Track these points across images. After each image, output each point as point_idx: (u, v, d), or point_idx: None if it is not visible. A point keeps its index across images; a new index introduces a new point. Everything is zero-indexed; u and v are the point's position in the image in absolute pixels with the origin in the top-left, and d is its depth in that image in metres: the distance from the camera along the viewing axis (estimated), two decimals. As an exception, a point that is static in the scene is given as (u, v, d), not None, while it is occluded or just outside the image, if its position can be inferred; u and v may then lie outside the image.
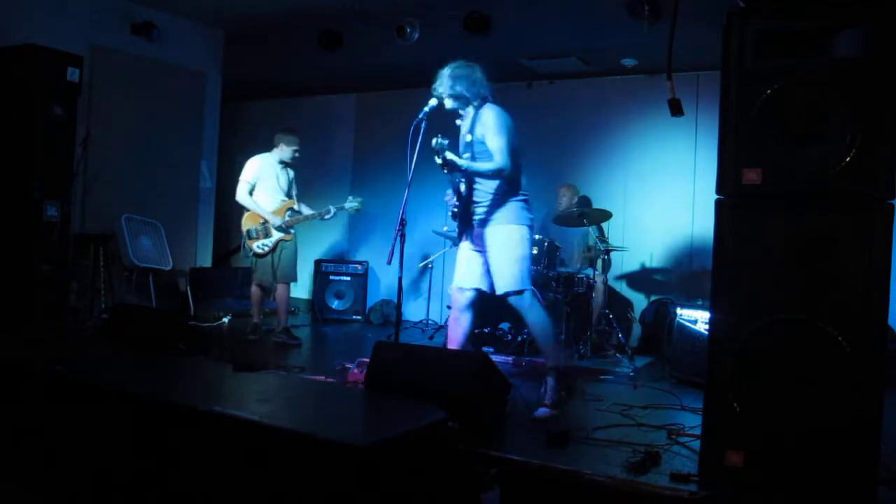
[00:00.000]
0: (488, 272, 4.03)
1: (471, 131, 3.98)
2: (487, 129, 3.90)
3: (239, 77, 7.83)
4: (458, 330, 4.12)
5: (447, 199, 4.13)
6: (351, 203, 5.90)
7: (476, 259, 4.07)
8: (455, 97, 3.99)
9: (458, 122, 4.20)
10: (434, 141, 3.70)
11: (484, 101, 3.99)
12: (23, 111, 5.51)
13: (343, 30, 6.96)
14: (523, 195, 4.04)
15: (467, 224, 4.08)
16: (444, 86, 3.99)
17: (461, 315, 4.10)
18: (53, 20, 6.08)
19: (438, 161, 3.75)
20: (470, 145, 3.97)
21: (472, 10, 6.19)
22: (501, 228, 3.94)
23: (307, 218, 5.83)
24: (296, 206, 5.85)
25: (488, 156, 3.91)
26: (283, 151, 5.80)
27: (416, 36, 6.49)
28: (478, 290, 4.08)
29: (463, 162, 3.85)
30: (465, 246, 4.14)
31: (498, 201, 3.97)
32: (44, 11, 6.04)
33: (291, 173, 5.96)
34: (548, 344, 3.98)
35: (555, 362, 3.98)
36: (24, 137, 5.52)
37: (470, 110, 4.03)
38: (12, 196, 5.50)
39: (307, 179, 7.83)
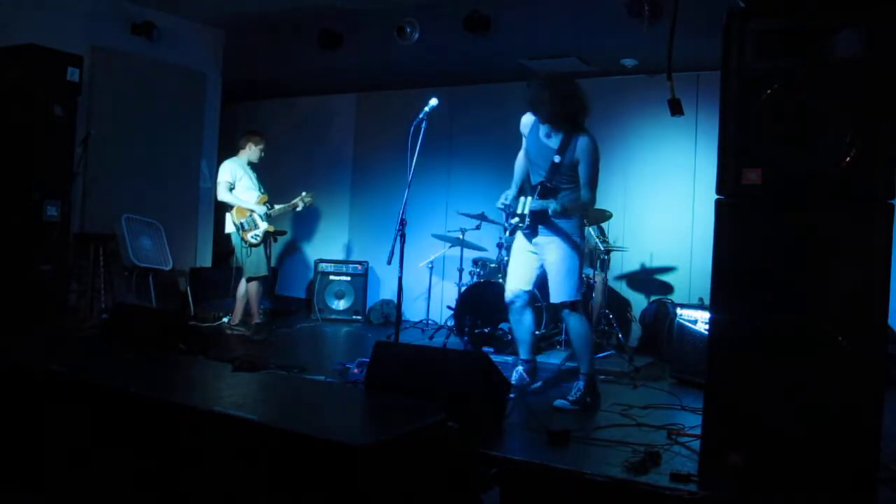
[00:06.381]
0: (539, 277, 4.17)
1: (561, 152, 3.92)
2: (584, 160, 3.92)
3: (239, 77, 7.83)
4: (524, 332, 4.27)
5: (502, 205, 4.11)
6: (305, 198, 6.25)
7: (533, 263, 4.15)
8: (567, 119, 3.90)
9: (529, 120, 4.09)
10: (550, 208, 3.83)
11: (581, 127, 3.94)
12: (23, 111, 5.50)
13: (343, 30, 6.96)
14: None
15: (531, 230, 4.08)
16: (556, 105, 3.87)
17: (523, 317, 4.23)
18: (53, 20, 6.08)
19: (525, 223, 3.92)
20: (557, 167, 3.94)
21: (472, 10, 6.18)
22: (565, 242, 4.01)
23: (286, 209, 6.20)
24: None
25: (572, 180, 3.96)
26: (252, 152, 6.13)
27: (416, 36, 6.48)
28: (529, 293, 4.21)
29: (563, 206, 3.89)
30: (523, 248, 4.18)
31: (568, 217, 4.01)
32: (44, 11, 6.03)
33: (254, 174, 6.22)
34: (585, 351, 4.12)
35: (588, 369, 4.10)
36: (24, 137, 5.51)
37: (561, 128, 3.95)
38: (12, 196, 5.50)
39: (307, 179, 7.86)
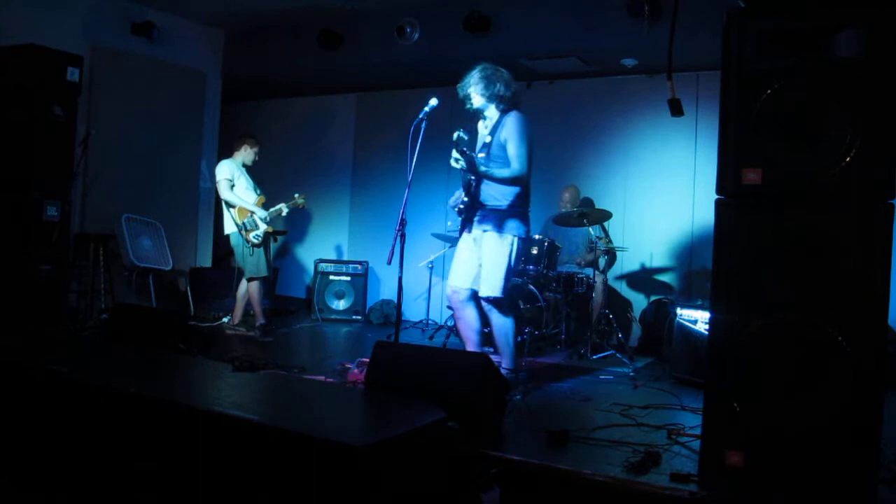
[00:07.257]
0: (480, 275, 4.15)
1: (492, 133, 4.04)
2: (511, 136, 4.00)
3: (239, 77, 7.83)
4: (467, 329, 4.20)
5: (452, 201, 4.17)
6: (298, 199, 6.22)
7: (473, 260, 4.15)
8: (495, 98, 4.06)
9: (481, 123, 4.26)
10: (455, 135, 3.83)
11: (512, 106, 4.08)
12: (23, 111, 5.50)
13: (343, 29, 6.96)
14: (525, 207, 4.15)
15: (470, 223, 4.13)
16: (480, 87, 4.05)
17: (465, 313, 4.17)
18: (53, 20, 6.08)
19: (456, 155, 3.83)
20: (488, 146, 4.04)
21: (472, 10, 6.19)
22: (498, 236, 4.05)
23: (280, 211, 6.14)
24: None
25: (504, 160, 4.01)
26: (246, 154, 6.14)
27: (416, 36, 6.49)
28: (473, 290, 4.17)
29: (482, 164, 3.97)
30: (464, 246, 4.18)
31: (503, 208, 4.06)
32: (44, 11, 6.04)
33: (249, 176, 6.23)
34: (506, 348, 4.17)
35: (510, 364, 4.15)
36: (24, 137, 5.51)
37: (495, 113, 4.12)
38: (12, 196, 5.50)
39: (307, 179, 7.86)
